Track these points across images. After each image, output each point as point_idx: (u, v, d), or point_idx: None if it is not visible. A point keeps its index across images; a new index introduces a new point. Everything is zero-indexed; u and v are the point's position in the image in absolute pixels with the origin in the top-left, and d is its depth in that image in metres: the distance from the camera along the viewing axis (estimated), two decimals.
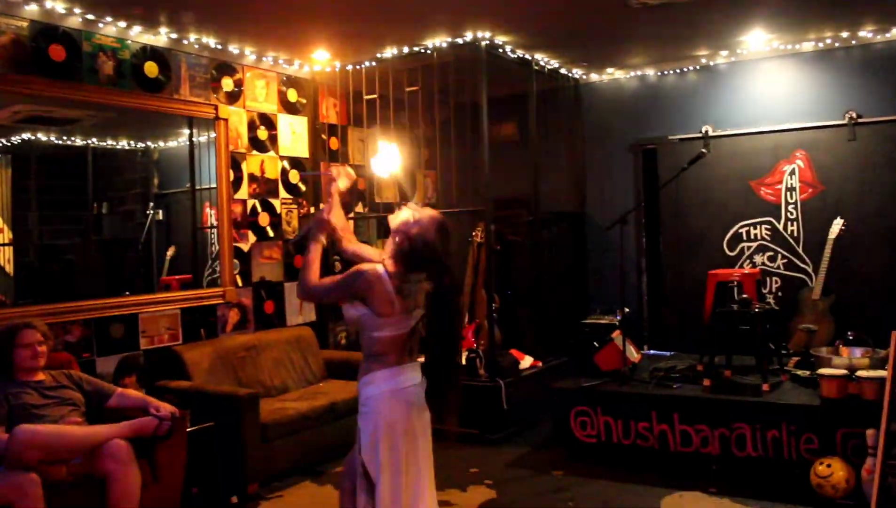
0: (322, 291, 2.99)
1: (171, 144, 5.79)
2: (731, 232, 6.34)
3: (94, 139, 5.35)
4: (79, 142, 5.26)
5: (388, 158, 4.86)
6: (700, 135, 6.42)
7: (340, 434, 5.38)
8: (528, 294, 6.55)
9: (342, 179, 3.23)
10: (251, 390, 4.96)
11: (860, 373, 4.53)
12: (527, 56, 6.25)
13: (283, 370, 5.70)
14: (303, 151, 6.43)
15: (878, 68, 5.98)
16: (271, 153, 6.13)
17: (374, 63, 6.22)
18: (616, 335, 5.48)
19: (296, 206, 6.33)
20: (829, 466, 4.34)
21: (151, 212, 5.68)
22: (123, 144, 5.58)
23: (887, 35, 5.86)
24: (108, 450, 3.76)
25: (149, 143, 5.68)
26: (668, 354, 6.11)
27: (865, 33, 5.86)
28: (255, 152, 5.98)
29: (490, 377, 5.75)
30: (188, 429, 4.32)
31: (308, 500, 4.75)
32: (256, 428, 4.77)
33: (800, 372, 5.06)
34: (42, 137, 5.02)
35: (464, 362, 5.94)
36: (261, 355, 5.60)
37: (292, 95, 6.33)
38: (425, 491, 3.01)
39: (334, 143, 6.71)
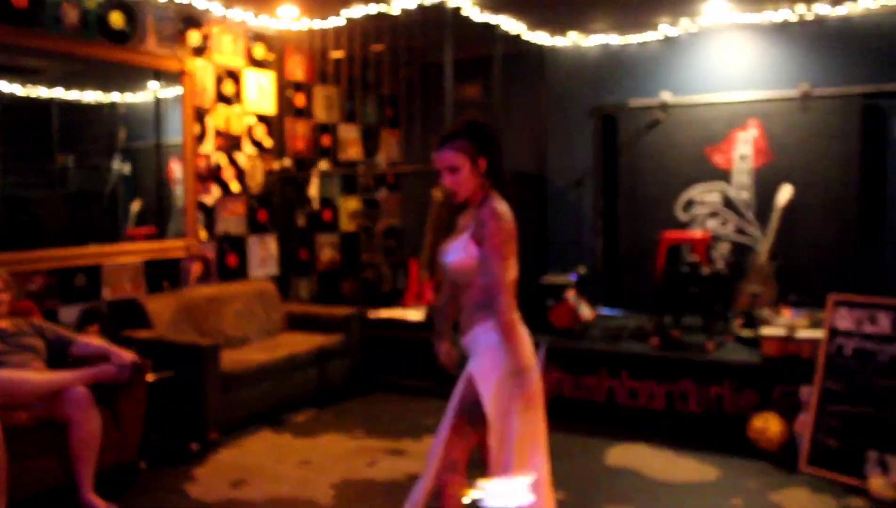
0: (501, 272, 2.73)
1: (138, 97, 5.80)
2: (685, 197, 6.51)
3: (60, 90, 5.34)
4: (44, 93, 5.25)
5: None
6: (658, 102, 6.55)
7: (299, 385, 5.54)
8: None
9: None
10: (213, 340, 5.07)
11: (799, 333, 4.75)
12: (492, 19, 6.31)
13: (245, 321, 5.81)
14: (269, 106, 6.46)
15: (832, 42, 6.14)
16: (237, 108, 6.16)
17: (341, 21, 6.24)
18: (570, 294, 5.64)
19: (260, 160, 6.38)
20: (765, 420, 4.57)
21: (118, 166, 5.70)
22: (89, 96, 5.58)
23: (840, 10, 6.02)
24: (69, 396, 3.84)
25: (115, 96, 5.69)
26: (620, 313, 6.31)
27: (820, 7, 6.00)
28: (220, 107, 6.01)
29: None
30: (149, 378, 4.42)
31: (266, 447, 4.89)
32: (217, 378, 4.88)
33: (744, 333, 5.28)
34: (5, 87, 5.01)
35: (422, 317, 6.09)
36: (223, 307, 5.70)
37: (259, 51, 6.35)
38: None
39: (300, 99, 6.75)
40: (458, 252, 2.81)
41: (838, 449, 4.28)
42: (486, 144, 2.83)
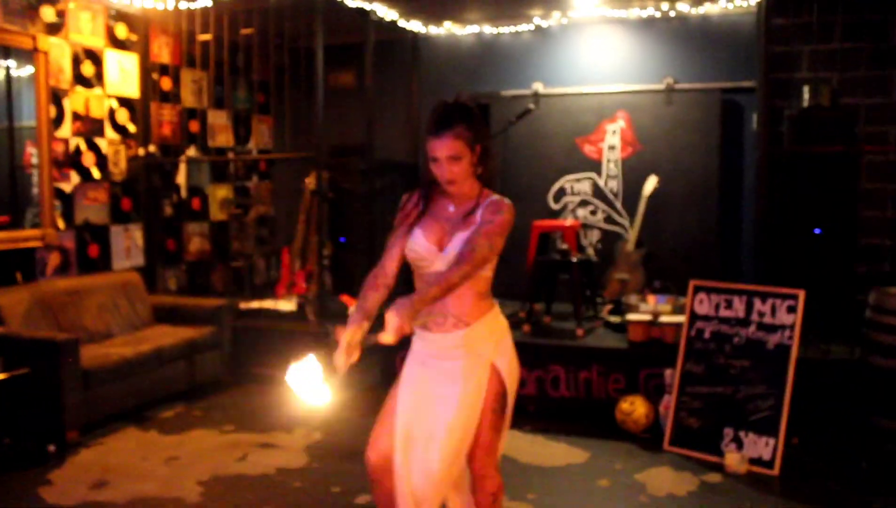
0: (479, 251, 2.50)
1: None
2: (556, 186, 6.65)
3: None
4: None
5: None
6: (530, 92, 6.66)
7: (167, 380, 5.34)
8: (361, 242, 6.63)
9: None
10: (71, 335, 4.81)
11: (662, 318, 4.94)
12: (365, 5, 6.24)
13: (108, 315, 5.54)
14: (133, 90, 6.17)
15: (694, 39, 6.41)
16: (97, 90, 5.85)
17: (209, 2, 6.02)
18: None
19: (124, 146, 6.10)
20: (631, 403, 4.73)
21: None
22: None
23: (701, 9, 6.28)
24: None
25: None
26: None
27: (683, 6, 6.23)
28: (79, 89, 5.69)
29: (320, 322, 5.82)
30: (1, 376, 4.15)
31: (130, 445, 4.68)
32: (77, 374, 4.63)
33: (612, 319, 5.44)
34: None
35: (294, 307, 5.99)
36: (84, 300, 5.41)
37: (121, 31, 6.05)
38: None
39: (166, 83, 6.48)
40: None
41: (699, 428, 4.48)
42: (481, 129, 2.62)
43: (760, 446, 4.27)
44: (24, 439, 4.52)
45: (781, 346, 4.37)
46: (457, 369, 2.66)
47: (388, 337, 2.31)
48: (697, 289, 4.74)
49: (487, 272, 2.64)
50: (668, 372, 4.70)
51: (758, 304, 4.51)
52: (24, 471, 4.26)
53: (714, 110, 6.20)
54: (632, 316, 5.03)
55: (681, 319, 4.82)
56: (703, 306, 4.69)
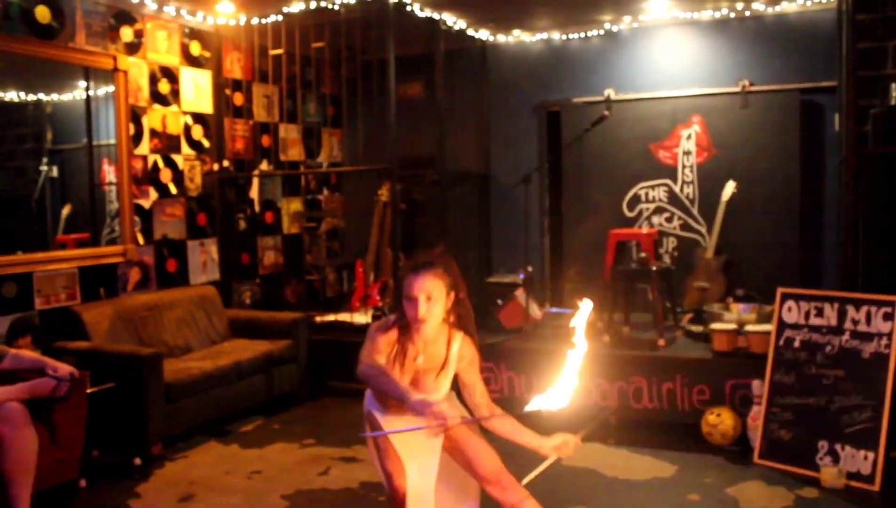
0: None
1: (66, 97, 5.53)
2: (631, 194, 6.54)
3: None
4: None
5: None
6: (602, 98, 6.56)
7: (246, 394, 5.37)
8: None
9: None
10: (154, 349, 4.87)
11: (748, 327, 4.79)
12: (434, 15, 6.24)
13: (187, 329, 5.61)
14: (207, 106, 6.26)
15: (770, 39, 6.23)
16: (174, 107, 5.95)
17: (280, 17, 6.08)
18: (519, 292, 5.61)
19: (199, 162, 6.18)
20: (718, 415, 4.59)
21: (45, 168, 5.43)
22: (13, 95, 5.31)
23: (777, 8, 6.11)
24: (2, 413, 3.61)
25: (41, 95, 5.42)
26: (569, 311, 6.29)
27: (758, 5, 6.08)
28: (156, 106, 5.79)
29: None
30: (88, 390, 4.21)
31: (213, 459, 4.72)
32: (160, 388, 4.69)
33: (693, 328, 5.31)
34: None
35: (369, 320, 5.97)
36: (163, 314, 5.49)
37: (195, 48, 6.14)
38: None
39: (238, 98, 6.56)
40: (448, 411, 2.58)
41: (790, 441, 4.33)
42: (457, 280, 2.82)
43: (858, 460, 4.10)
44: (111, 451, 4.59)
45: (878, 355, 4.19)
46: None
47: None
48: (786, 296, 4.58)
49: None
50: (755, 383, 4.55)
51: (851, 311, 4.34)
52: (114, 483, 4.32)
53: (793, 112, 6.02)
54: (716, 325, 4.89)
55: (768, 328, 4.67)
56: (792, 314, 4.54)
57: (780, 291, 4.61)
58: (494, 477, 2.86)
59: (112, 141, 5.50)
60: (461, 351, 2.87)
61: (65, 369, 3.94)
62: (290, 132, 7.11)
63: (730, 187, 5.93)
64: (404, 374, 2.82)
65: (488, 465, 2.86)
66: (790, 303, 4.55)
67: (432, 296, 2.73)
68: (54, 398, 3.89)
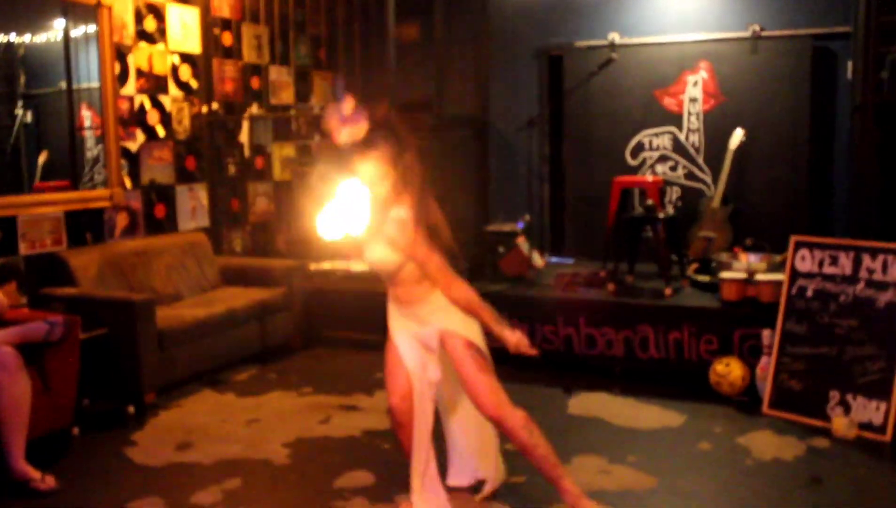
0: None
1: (40, 38, 5.24)
2: (634, 141, 6.37)
3: None
4: None
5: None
6: (606, 43, 6.36)
7: (239, 342, 5.24)
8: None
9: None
10: (146, 295, 4.70)
11: (758, 277, 4.68)
12: None
13: (177, 276, 5.43)
14: (195, 45, 6.00)
15: None
16: (160, 46, 5.69)
17: None
18: (521, 240, 5.47)
19: (187, 104, 5.94)
20: (727, 365, 4.50)
21: (19, 114, 5.16)
22: None
23: None
24: None
25: (13, 36, 5.12)
26: (570, 261, 6.17)
27: None
28: (142, 45, 5.54)
29: None
30: (80, 336, 4.05)
31: (209, 407, 4.58)
32: (152, 336, 4.53)
33: (700, 278, 5.20)
34: None
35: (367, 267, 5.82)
36: (152, 261, 5.30)
37: None
38: None
39: (227, 38, 6.30)
40: (384, 256, 2.93)
41: (801, 391, 4.25)
42: (401, 143, 2.84)
43: (871, 410, 4.03)
44: (104, 400, 4.44)
45: (893, 304, 4.10)
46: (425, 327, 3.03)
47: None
48: (799, 245, 4.47)
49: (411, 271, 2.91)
50: (765, 333, 4.46)
51: (867, 260, 4.23)
52: (108, 432, 4.19)
53: (804, 58, 5.85)
54: (725, 274, 4.78)
55: (780, 277, 4.56)
56: (806, 262, 4.43)
57: (793, 239, 4.50)
58: (494, 413, 2.98)
59: (92, 84, 5.25)
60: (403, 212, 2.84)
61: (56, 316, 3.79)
62: (281, 75, 6.86)
63: (737, 136, 5.79)
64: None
65: (487, 403, 2.97)
66: (804, 251, 4.44)
67: (375, 178, 2.81)
68: (47, 342, 3.73)
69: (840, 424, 4.02)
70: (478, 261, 5.63)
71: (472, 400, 3.01)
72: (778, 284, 4.54)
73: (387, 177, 2.81)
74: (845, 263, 4.31)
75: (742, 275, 4.73)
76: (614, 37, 6.33)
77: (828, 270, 4.36)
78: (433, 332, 2.99)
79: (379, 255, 2.91)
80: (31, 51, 5.18)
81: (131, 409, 4.40)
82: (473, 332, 3.01)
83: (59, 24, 5.12)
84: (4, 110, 5.09)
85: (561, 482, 3.00)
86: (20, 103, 5.12)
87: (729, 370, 4.50)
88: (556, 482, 3.01)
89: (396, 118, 2.88)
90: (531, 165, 5.51)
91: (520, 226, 5.60)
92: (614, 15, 6.49)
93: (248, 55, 6.53)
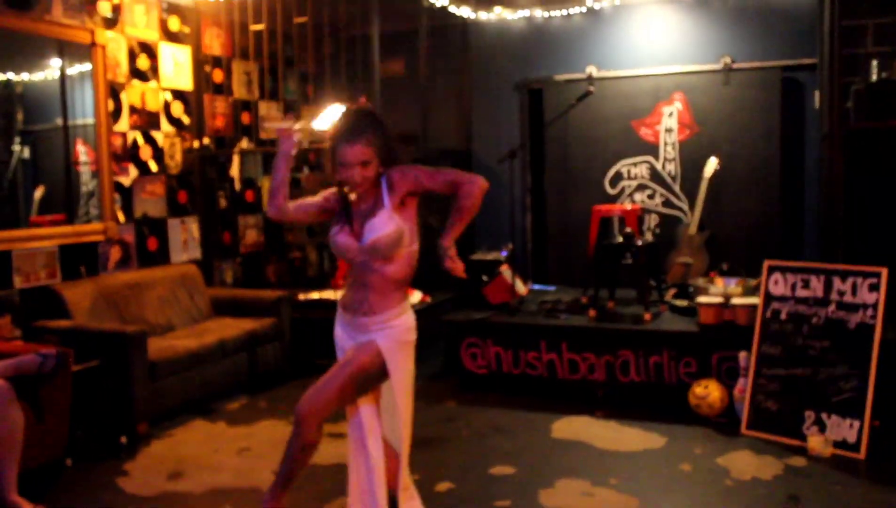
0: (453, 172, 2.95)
1: (37, 76, 5.39)
2: (613, 171, 6.56)
3: None
4: None
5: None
6: (584, 76, 6.57)
7: (230, 372, 5.32)
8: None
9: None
10: (138, 327, 4.80)
11: (734, 300, 4.83)
12: None
13: (169, 307, 5.54)
14: (186, 82, 6.16)
15: (752, 17, 6.28)
16: (153, 84, 5.84)
17: None
18: (504, 268, 5.61)
19: (179, 139, 6.08)
20: (706, 387, 4.63)
21: (17, 149, 5.29)
22: None
23: None
24: None
25: (11, 75, 5.27)
26: (552, 288, 6.31)
27: None
28: (135, 82, 5.69)
29: None
30: (73, 368, 4.14)
31: (200, 437, 4.67)
32: (144, 366, 4.63)
33: (678, 302, 5.34)
34: None
35: None
36: (145, 293, 5.41)
37: (174, 24, 6.03)
38: None
39: (218, 75, 6.46)
40: (385, 226, 2.84)
41: (777, 411, 4.38)
42: (386, 134, 2.87)
43: (844, 428, 4.16)
44: (96, 430, 4.52)
45: (864, 325, 4.25)
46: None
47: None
48: (772, 269, 4.63)
49: (403, 267, 2.92)
50: (742, 355, 4.60)
51: (837, 283, 4.39)
52: (100, 462, 4.26)
53: (774, 89, 6.08)
54: (702, 299, 4.92)
55: (754, 300, 4.72)
56: (779, 286, 4.58)
57: (767, 263, 4.65)
58: (306, 412, 2.94)
59: (87, 120, 5.39)
60: (389, 181, 2.87)
61: (50, 348, 3.87)
62: (270, 110, 7.02)
63: (712, 164, 5.97)
64: (354, 220, 2.94)
65: (311, 403, 2.94)
66: (777, 275, 4.60)
67: (366, 163, 2.81)
68: (40, 374, 3.82)
69: (816, 443, 4.13)
70: (463, 289, 5.76)
71: (310, 389, 2.96)
72: (753, 307, 4.68)
73: (370, 163, 2.82)
74: (817, 285, 4.46)
75: (719, 299, 4.88)
76: (592, 70, 6.55)
77: (800, 293, 4.51)
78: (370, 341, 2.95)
79: (379, 228, 2.84)
80: (28, 88, 5.33)
81: (124, 439, 4.48)
82: (399, 367, 2.96)
83: (55, 62, 5.27)
84: (2, 146, 5.21)
85: (279, 494, 3.05)
86: (18, 139, 5.24)
87: (707, 393, 4.62)
88: (278, 491, 3.05)
89: (376, 115, 2.93)
90: (513, 195, 5.66)
91: (503, 254, 5.75)
92: (591, 49, 6.71)
93: (239, 91, 6.70)
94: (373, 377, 2.94)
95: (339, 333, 3.09)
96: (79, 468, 4.18)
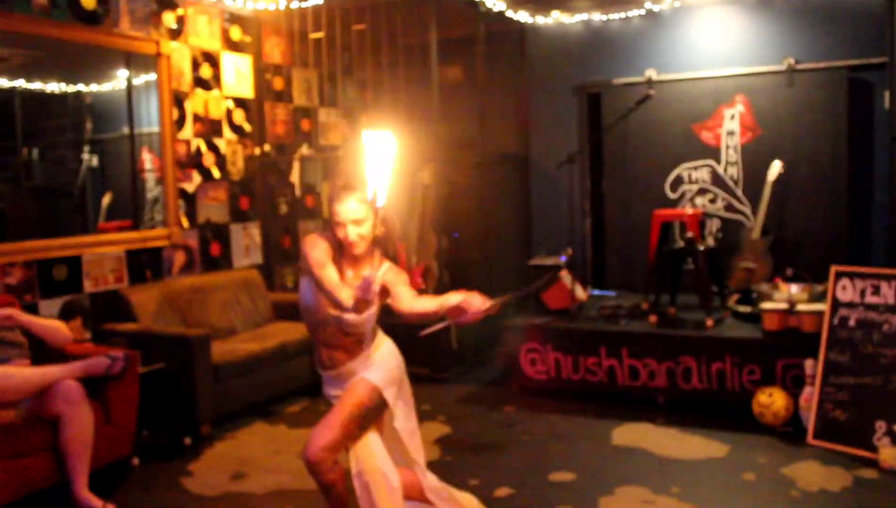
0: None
1: (105, 87, 5.56)
2: (673, 175, 6.47)
3: (22, 81, 5.08)
4: (5, 84, 5.00)
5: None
6: (643, 79, 6.49)
7: (291, 375, 5.39)
8: (474, 236, 6.59)
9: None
10: (201, 330, 4.90)
11: (800, 307, 4.72)
12: None
13: (231, 311, 5.63)
14: (247, 90, 6.27)
15: (816, 16, 6.12)
16: (215, 92, 5.96)
17: (320, 1, 6.07)
18: (564, 273, 5.57)
19: (241, 146, 6.20)
20: (770, 395, 4.53)
21: (86, 158, 5.46)
22: (53, 86, 5.33)
23: None
24: (60, 391, 3.66)
25: (81, 86, 5.44)
26: (612, 294, 6.25)
27: None
28: (198, 91, 5.81)
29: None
30: (139, 370, 4.25)
31: (261, 439, 4.74)
32: (208, 369, 4.72)
33: (741, 308, 5.24)
34: None
35: None
36: (208, 297, 5.52)
37: (236, 33, 6.15)
38: None
39: (279, 83, 6.57)
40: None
41: (846, 421, 4.26)
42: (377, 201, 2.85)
43: None
44: (161, 431, 4.63)
45: None
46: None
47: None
48: (840, 275, 4.51)
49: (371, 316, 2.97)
50: (808, 362, 4.49)
51: None
52: (165, 462, 4.36)
53: (840, 90, 5.92)
54: (767, 305, 4.82)
55: (821, 307, 4.60)
56: (847, 292, 4.46)
57: (833, 269, 4.54)
58: (314, 455, 2.90)
59: (152, 129, 5.52)
60: (386, 275, 2.93)
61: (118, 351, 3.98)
62: (329, 116, 7.11)
63: (776, 167, 5.85)
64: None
65: (316, 444, 2.90)
66: (844, 281, 4.48)
67: (359, 221, 2.85)
68: (109, 376, 3.92)
69: (888, 454, 4.01)
70: (522, 295, 5.73)
71: (312, 432, 2.94)
72: (820, 314, 4.57)
73: (364, 221, 2.86)
74: (887, 292, 4.34)
75: (783, 305, 4.77)
76: (651, 73, 6.47)
77: (870, 299, 4.39)
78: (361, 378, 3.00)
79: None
80: (97, 99, 5.50)
81: (188, 440, 4.58)
82: (394, 394, 3.02)
83: (122, 73, 5.43)
84: (73, 155, 5.39)
85: None
86: (87, 148, 5.41)
87: (772, 401, 4.52)
88: None
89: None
90: (572, 200, 5.62)
91: (562, 260, 5.71)
92: (651, 52, 6.63)
93: (299, 98, 6.79)
94: (372, 409, 2.97)
95: (329, 391, 3.13)
96: (145, 467, 4.30)
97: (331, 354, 3.04)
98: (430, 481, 3.12)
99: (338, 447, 2.91)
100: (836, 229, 5.95)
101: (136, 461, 4.29)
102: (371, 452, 2.98)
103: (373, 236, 2.89)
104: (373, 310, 2.95)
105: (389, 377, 3.01)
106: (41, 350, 3.98)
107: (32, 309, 4.60)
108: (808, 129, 6.02)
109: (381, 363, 3.02)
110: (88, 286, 5.00)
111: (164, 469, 4.27)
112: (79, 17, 4.94)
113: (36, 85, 5.16)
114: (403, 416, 3.08)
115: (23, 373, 3.68)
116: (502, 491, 3.83)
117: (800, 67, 6.07)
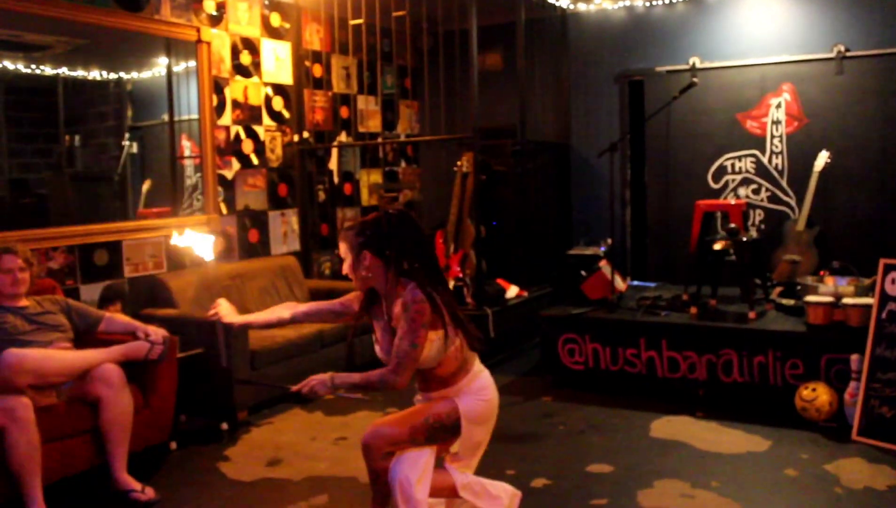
0: (405, 357, 2.76)
1: (145, 75, 5.60)
2: (716, 165, 6.35)
3: (65, 69, 5.14)
4: (48, 71, 5.06)
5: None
6: (687, 67, 6.38)
7: (328, 362, 5.37)
8: (513, 224, 6.54)
9: None
10: None
11: (846, 300, 4.60)
12: None
13: (269, 298, 5.65)
14: (287, 77, 6.28)
15: (867, 2, 5.95)
16: (255, 79, 5.98)
17: None
18: (603, 264, 5.50)
19: (279, 133, 6.21)
20: (814, 390, 4.43)
21: (126, 144, 5.51)
22: (95, 74, 5.38)
23: None
24: (100, 374, 3.71)
25: (121, 73, 5.48)
26: (652, 284, 6.17)
27: None
28: (238, 78, 5.83)
29: (477, 305, 5.76)
30: (178, 355, 4.28)
31: (298, 425, 4.76)
32: (245, 355, 4.74)
33: (784, 301, 5.13)
34: (9, 65, 4.81)
35: (451, 289, 5.94)
36: (246, 283, 5.55)
37: (275, 20, 6.16)
38: None
39: (318, 70, 6.57)
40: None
41: (893, 418, 4.15)
42: (379, 236, 2.87)
43: None
44: (198, 417, 4.66)
45: None
46: None
47: (300, 387, 2.98)
48: (889, 267, 4.38)
49: (439, 365, 2.86)
50: (854, 357, 4.37)
51: None
52: (203, 447, 4.39)
53: (892, 78, 5.76)
54: (811, 298, 4.71)
55: (868, 300, 4.48)
56: None
57: (882, 262, 4.41)
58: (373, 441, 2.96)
59: (192, 116, 5.56)
60: (395, 308, 2.89)
61: (158, 333, 4.00)
62: (368, 104, 7.10)
63: (822, 158, 5.71)
64: (377, 329, 3.08)
65: (383, 436, 2.94)
66: (894, 274, 4.36)
67: (344, 255, 2.96)
68: (148, 360, 3.95)
69: None
70: (560, 284, 5.69)
71: (383, 419, 3.01)
72: (867, 308, 4.45)
73: (346, 259, 2.96)
74: None
75: (829, 299, 4.65)
76: (695, 60, 6.35)
77: None
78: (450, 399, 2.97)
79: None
80: (137, 86, 5.54)
81: (225, 426, 4.61)
82: (472, 428, 2.94)
83: (162, 60, 5.46)
84: (114, 142, 5.44)
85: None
86: (127, 135, 5.46)
87: (815, 396, 4.42)
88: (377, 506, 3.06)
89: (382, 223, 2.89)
90: (613, 190, 5.53)
91: (602, 250, 5.65)
92: (695, 39, 6.50)
93: (338, 86, 6.79)
94: (446, 429, 2.91)
95: (414, 397, 3.15)
96: (183, 451, 4.34)
97: (421, 384, 3.04)
98: (464, 478, 3.07)
99: (398, 444, 2.89)
100: (884, 220, 5.80)
101: (174, 445, 4.33)
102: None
103: (363, 271, 2.91)
104: (438, 346, 2.83)
105: (475, 409, 2.94)
106: (81, 334, 4.02)
107: (73, 294, 4.67)
108: (858, 118, 5.87)
109: (473, 393, 2.96)
110: (128, 271, 5.06)
111: (202, 454, 4.30)
112: (121, 4, 4.98)
113: (78, 72, 5.20)
114: (465, 452, 3.01)
115: (64, 356, 3.72)
116: (539, 482, 3.79)
117: (850, 54, 5.90)
